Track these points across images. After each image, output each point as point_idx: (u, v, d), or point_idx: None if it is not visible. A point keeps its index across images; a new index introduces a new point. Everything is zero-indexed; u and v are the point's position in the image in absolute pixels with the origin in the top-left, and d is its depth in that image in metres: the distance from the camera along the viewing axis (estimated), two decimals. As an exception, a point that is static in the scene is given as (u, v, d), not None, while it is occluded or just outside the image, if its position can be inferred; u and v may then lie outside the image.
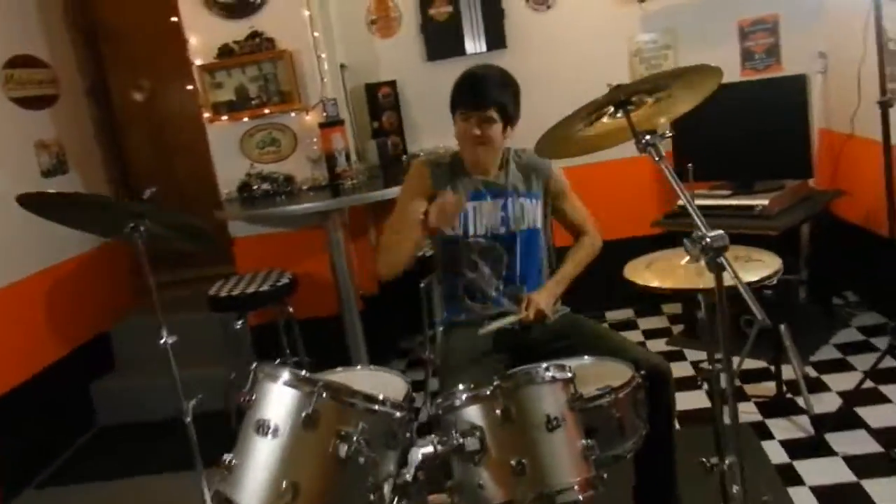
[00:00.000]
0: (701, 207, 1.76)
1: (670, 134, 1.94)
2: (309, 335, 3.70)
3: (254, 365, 1.80)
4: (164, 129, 4.75)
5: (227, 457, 1.74)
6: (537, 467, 1.68)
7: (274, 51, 3.84)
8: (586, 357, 2.20)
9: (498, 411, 1.71)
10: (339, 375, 2.17)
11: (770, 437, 2.97)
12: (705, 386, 3.33)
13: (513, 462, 1.67)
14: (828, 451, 2.80)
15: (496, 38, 4.26)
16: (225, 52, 3.86)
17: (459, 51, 4.26)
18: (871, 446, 2.79)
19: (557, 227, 2.66)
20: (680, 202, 3.60)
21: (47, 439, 3.79)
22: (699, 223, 1.65)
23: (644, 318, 4.38)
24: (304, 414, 1.67)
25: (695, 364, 3.68)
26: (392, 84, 4.33)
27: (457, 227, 2.40)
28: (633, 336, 4.12)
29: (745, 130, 3.62)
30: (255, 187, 3.90)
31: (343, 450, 1.66)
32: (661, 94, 1.88)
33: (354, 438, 1.67)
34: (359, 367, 2.46)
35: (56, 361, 3.89)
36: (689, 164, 3.32)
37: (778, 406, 3.16)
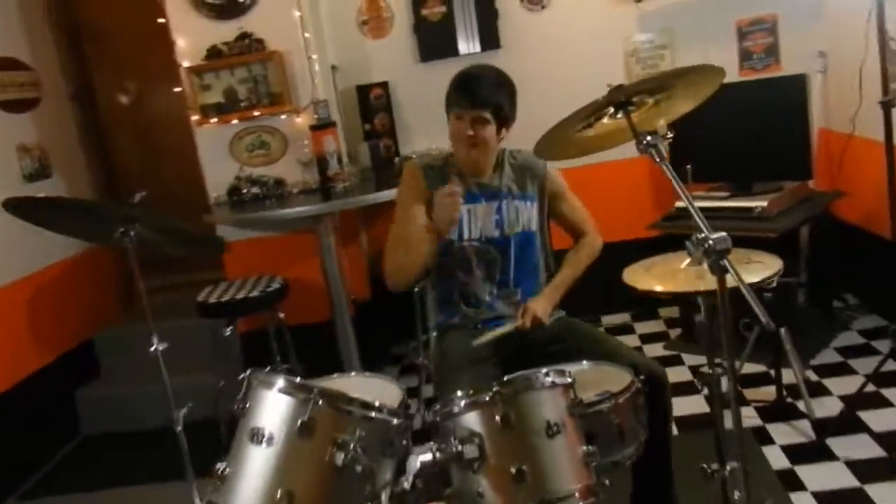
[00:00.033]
0: (698, 209, 1.73)
1: (671, 135, 1.91)
2: (300, 341, 3.66)
3: (248, 371, 1.77)
4: (150, 133, 4.69)
5: (219, 466, 1.70)
6: (538, 474, 1.65)
7: (264, 52, 3.80)
8: (584, 362, 2.17)
9: (497, 418, 1.68)
10: (334, 382, 2.15)
11: (771, 442, 2.94)
12: (705, 390, 3.30)
13: (513, 469, 1.64)
14: (830, 456, 2.78)
15: (490, 39, 4.23)
16: (213, 53, 3.81)
17: (453, 51, 4.22)
18: (875, 451, 2.77)
19: (556, 228, 2.62)
20: (678, 204, 3.63)
21: (30, 449, 3.72)
22: (702, 225, 1.63)
23: (641, 323, 4.35)
24: (299, 421, 1.64)
25: (693, 368, 3.65)
26: (384, 85, 4.29)
27: (456, 220, 2.33)
28: (631, 340, 4.08)
29: (743, 131, 3.60)
30: (244, 191, 3.86)
31: (340, 458, 1.63)
32: (662, 95, 1.87)
33: (351, 446, 1.64)
34: (353, 373, 2.43)
35: (40, 369, 3.83)
36: (688, 166, 3.29)
37: (778, 410, 3.14)
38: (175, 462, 2.36)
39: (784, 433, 2.98)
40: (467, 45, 4.23)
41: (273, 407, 1.70)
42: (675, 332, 4.11)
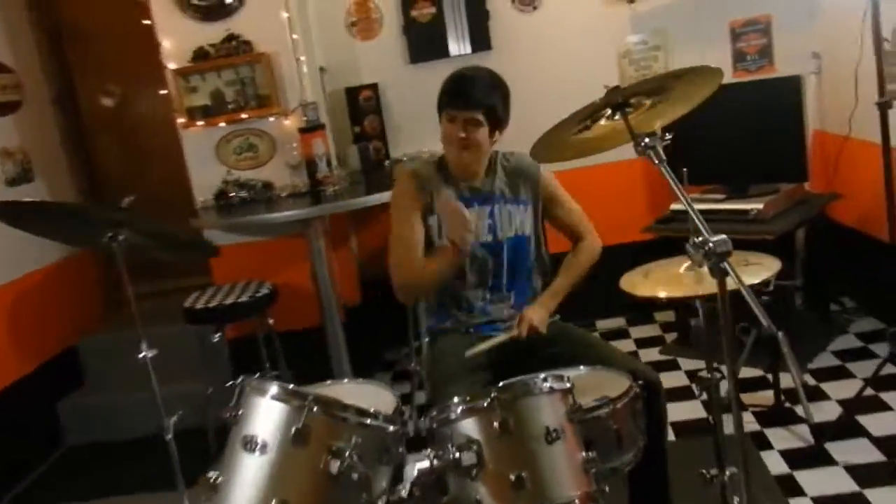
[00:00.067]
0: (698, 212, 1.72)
1: (669, 137, 1.89)
2: (289, 348, 3.61)
3: (240, 378, 1.75)
4: (135, 136, 4.61)
5: (212, 474, 1.67)
6: (537, 481, 1.63)
7: (251, 54, 3.76)
8: (581, 367, 2.14)
9: (495, 424, 1.65)
10: (327, 389, 2.12)
11: (769, 447, 2.92)
12: (703, 395, 3.26)
13: (511, 476, 1.62)
14: (828, 461, 2.76)
15: (481, 40, 4.19)
16: (200, 55, 3.77)
17: (443, 53, 4.19)
18: (874, 455, 2.75)
19: (553, 232, 2.58)
20: (674, 206, 3.60)
21: (12, 460, 3.63)
22: (701, 228, 1.62)
23: (636, 327, 4.31)
24: (293, 429, 1.62)
25: (689, 373, 3.62)
26: (373, 87, 4.25)
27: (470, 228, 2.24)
28: (626, 345, 4.05)
29: (738, 133, 3.58)
30: (232, 195, 3.82)
31: (335, 466, 1.61)
32: (659, 97, 1.85)
33: (347, 454, 1.62)
34: (346, 380, 2.41)
35: (21, 378, 3.74)
36: (685, 169, 3.25)
37: (776, 415, 3.12)
38: (164, 471, 2.31)
39: (782, 438, 2.96)
40: (458, 46, 4.19)
41: (267, 414, 1.68)
42: (670, 337, 4.08)
